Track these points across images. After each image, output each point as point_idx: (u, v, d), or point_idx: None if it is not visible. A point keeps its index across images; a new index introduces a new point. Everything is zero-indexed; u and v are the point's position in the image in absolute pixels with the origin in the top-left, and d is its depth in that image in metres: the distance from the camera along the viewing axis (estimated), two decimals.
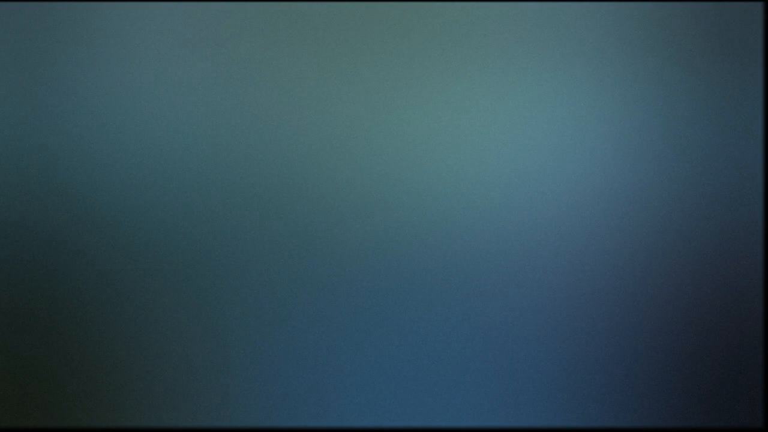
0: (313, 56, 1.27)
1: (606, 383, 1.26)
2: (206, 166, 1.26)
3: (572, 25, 1.27)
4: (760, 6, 1.27)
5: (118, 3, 1.27)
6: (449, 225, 1.26)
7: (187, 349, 1.26)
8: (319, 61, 1.27)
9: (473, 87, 1.27)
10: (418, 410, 1.26)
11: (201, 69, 1.27)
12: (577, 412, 1.26)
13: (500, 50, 1.27)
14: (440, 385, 1.26)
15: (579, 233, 1.26)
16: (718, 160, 1.27)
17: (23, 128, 1.26)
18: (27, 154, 1.26)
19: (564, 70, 1.27)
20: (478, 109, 1.27)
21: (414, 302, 1.26)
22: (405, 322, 1.26)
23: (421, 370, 1.25)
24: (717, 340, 1.26)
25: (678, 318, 1.26)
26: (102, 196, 1.26)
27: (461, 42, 1.27)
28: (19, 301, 1.26)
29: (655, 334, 1.26)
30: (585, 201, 1.26)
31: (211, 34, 1.27)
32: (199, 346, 1.26)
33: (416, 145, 1.26)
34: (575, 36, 1.27)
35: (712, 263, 1.26)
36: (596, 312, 1.26)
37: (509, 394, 1.26)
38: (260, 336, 1.26)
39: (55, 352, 1.25)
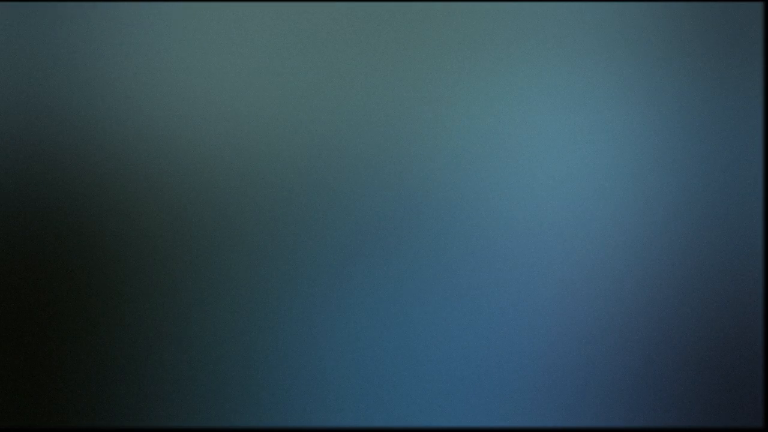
0: (318, 55, 1.27)
1: (606, 383, 1.26)
2: (206, 166, 1.26)
3: (571, 24, 1.27)
4: (760, 6, 1.28)
5: (119, 3, 1.27)
6: (448, 225, 1.26)
7: (186, 348, 1.26)
8: (323, 58, 1.27)
9: (479, 86, 1.27)
10: (418, 410, 1.26)
11: (201, 68, 1.27)
12: (577, 412, 1.26)
13: (500, 51, 1.27)
14: (440, 385, 1.26)
15: (578, 233, 1.26)
16: (718, 161, 1.27)
17: (23, 126, 1.26)
18: (27, 152, 1.26)
19: (562, 69, 1.27)
20: (484, 109, 1.27)
21: (413, 302, 1.26)
22: (404, 322, 1.26)
23: (420, 370, 1.26)
24: (717, 340, 1.26)
25: (678, 318, 1.26)
26: (101, 195, 1.26)
27: (468, 41, 1.27)
28: (18, 300, 1.26)
29: (655, 334, 1.26)
30: (584, 200, 1.26)
31: (214, 31, 1.27)
32: (198, 346, 1.26)
33: (418, 144, 1.26)
34: (574, 35, 1.27)
35: (712, 263, 1.26)
36: (596, 312, 1.26)
37: (509, 394, 1.26)
38: (260, 335, 1.26)
39: (54, 351, 1.25)
